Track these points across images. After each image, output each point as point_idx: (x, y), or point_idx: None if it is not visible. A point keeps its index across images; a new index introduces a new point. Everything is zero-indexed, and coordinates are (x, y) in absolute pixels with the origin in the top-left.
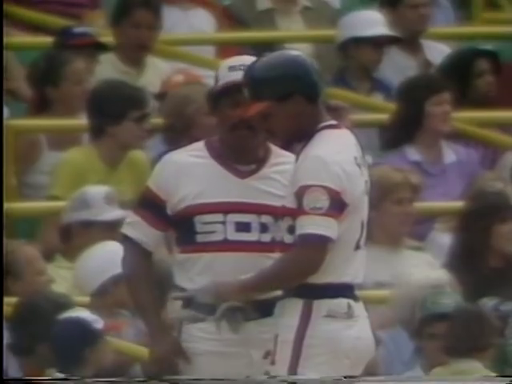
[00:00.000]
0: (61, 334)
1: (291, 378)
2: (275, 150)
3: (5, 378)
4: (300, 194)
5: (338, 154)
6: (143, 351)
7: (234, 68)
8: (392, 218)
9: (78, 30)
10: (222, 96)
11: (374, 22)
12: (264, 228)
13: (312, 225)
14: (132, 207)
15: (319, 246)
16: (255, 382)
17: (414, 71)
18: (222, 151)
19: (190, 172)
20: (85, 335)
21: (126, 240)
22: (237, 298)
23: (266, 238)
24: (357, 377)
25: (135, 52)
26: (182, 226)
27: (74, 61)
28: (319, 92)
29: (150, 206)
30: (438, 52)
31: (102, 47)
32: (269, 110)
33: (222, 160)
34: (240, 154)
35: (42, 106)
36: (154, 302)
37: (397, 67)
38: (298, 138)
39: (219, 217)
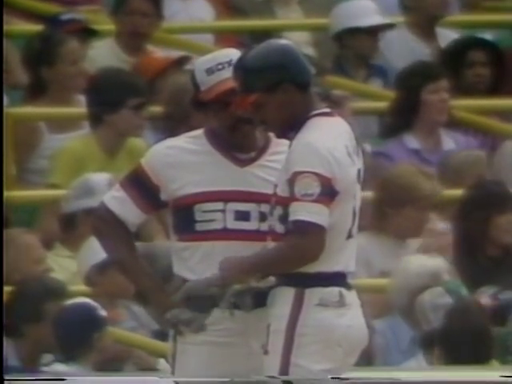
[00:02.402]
0: (69, 319)
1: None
2: (275, 138)
3: (5, 378)
4: (291, 180)
5: (328, 141)
6: (142, 341)
7: (212, 70)
8: (410, 223)
9: (66, 16)
10: (212, 102)
11: (367, 11)
12: (263, 217)
13: (303, 211)
14: (120, 180)
15: (315, 232)
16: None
17: (429, 58)
18: (221, 140)
19: (189, 160)
20: (93, 321)
21: (108, 213)
22: (237, 279)
23: (265, 226)
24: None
25: (133, 39)
26: (180, 214)
27: (69, 41)
28: (309, 80)
29: (140, 185)
30: (449, 40)
31: (91, 33)
32: (260, 101)
33: (222, 148)
34: (240, 143)
35: (38, 88)
36: (141, 265)
37: (412, 53)
38: (290, 126)
39: (219, 205)
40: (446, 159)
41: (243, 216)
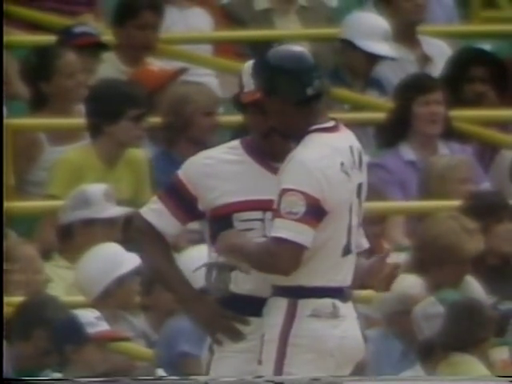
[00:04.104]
0: (54, 329)
1: (287, 379)
2: None
3: (5, 377)
4: (279, 196)
5: (321, 160)
6: (142, 352)
7: None
8: (451, 277)
9: (79, 29)
10: (249, 106)
11: (378, 34)
12: None
13: (284, 229)
14: (158, 192)
15: (290, 251)
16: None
17: (413, 66)
18: (257, 149)
19: (226, 169)
20: (69, 334)
21: (146, 224)
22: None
23: None
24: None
25: (138, 53)
26: (218, 224)
27: (66, 54)
28: (304, 97)
29: (177, 196)
30: (435, 46)
31: (103, 46)
32: (262, 101)
33: (258, 157)
34: (274, 151)
35: (38, 101)
36: (180, 275)
37: (396, 62)
38: (290, 135)
39: (258, 214)
40: (429, 164)
41: None
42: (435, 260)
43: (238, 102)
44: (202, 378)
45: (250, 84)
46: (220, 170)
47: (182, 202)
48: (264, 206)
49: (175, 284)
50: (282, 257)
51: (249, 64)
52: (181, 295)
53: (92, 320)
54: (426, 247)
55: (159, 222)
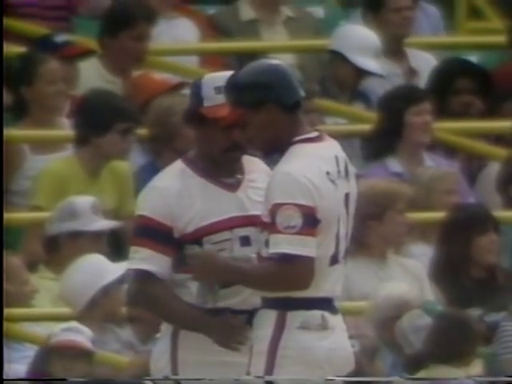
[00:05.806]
0: None
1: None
2: (244, 157)
3: (5, 377)
4: (273, 212)
5: (306, 169)
6: (126, 363)
7: (221, 90)
8: (393, 228)
9: (60, 38)
10: (213, 121)
11: (368, 50)
12: (261, 239)
13: (287, 244)
14: (133, 240)
15: (301, 265)
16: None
17: (400, 78)
18: (204, 167)
19: (187, 194)
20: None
21: (144, 275)
22: (212, 278)
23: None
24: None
25: (127, 63)
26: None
27: (49, 60)
28: (295, 102)
29: (157, 235)
30: (422, 60)
31: (87, 54)
32: (245, 117)
33: (208, 176)
34: (227, 167)
35: (20, 109)
36: (189, 308)
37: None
38: (275, 148)
39: (226, 234)
40: (415, 175)
41: (246, 241)
42: (374, 211)
43: (195, 116)
44: (203, 379)
45: (213, 98)
46: (182, 195)
47: (164, 238)
48: (229, 224)
49: (186, 318)
50: (296, 274)
51: (210, 79)
52: (196, 324)
53: (56, 331)
54: (362, 203)
55: (153, 267)
